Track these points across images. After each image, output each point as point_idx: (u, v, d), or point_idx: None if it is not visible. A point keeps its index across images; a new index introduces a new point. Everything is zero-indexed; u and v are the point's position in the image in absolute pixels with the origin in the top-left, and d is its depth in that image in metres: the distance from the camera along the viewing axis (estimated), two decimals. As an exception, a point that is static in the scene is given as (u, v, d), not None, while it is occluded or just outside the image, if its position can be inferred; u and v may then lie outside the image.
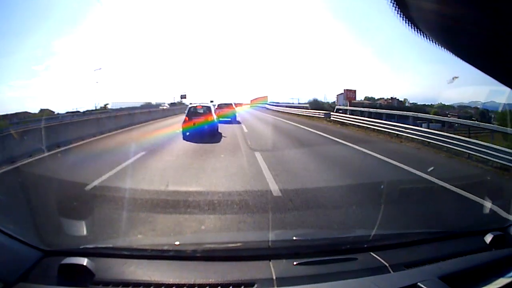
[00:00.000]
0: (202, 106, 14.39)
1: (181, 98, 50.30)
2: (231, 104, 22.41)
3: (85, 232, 3.02)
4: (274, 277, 1.65)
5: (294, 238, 2.43)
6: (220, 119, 17.74)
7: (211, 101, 21.49)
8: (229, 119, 19.82)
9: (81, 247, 2.01)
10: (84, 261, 1.66)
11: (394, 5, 0.70)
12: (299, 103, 31.53)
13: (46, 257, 1.80)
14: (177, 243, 2.39)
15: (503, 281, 1.59)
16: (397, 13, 0.71)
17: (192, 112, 13.72)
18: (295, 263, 1.78)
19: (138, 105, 38.68)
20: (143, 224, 3.89)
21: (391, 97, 31.56)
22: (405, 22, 0.73)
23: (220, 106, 21.22)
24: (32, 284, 1.60)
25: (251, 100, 47.79)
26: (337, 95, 24.66)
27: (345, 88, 24.00)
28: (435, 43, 0.75)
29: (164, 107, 32.36)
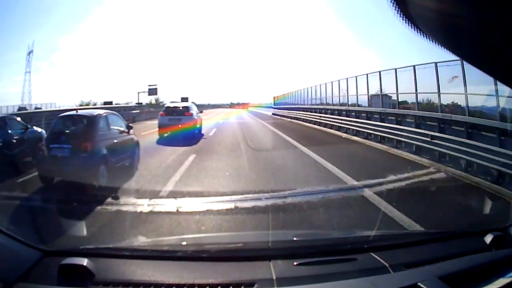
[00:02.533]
0: (76, 116, 7.10)
1: (151, 93, 35.05)
2: (187, 108, 13.93)
3: (85, 232, 3.02)
4: (274, 277, 1.65)
5: (294, 238, 2.43)
6: (167, 133, 12.57)
7: (182, 99, 15.97)
8: (183, 137, 12.04)
9: (81, 247, 2.01)
10: (84, 261, 1.66)
11: (394, 3, 0.70)
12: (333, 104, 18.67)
13: (46, 257, 1.80)
14: (177, 243, 2.40)
15: (503, 281, 1.59)
16: (397, 11, 0.71)
17: (55, 134, 6.61)
18: (295, 263, 1.78)
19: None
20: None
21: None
22: (405, 22, 0.72)
23: (169, 112, 13.62)
24: (32, 284, 1.60)
25: (275, 97, 39.58)
26: (371, 96, 14.63)
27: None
28: (435, 43, 0.74)
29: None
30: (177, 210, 4.63)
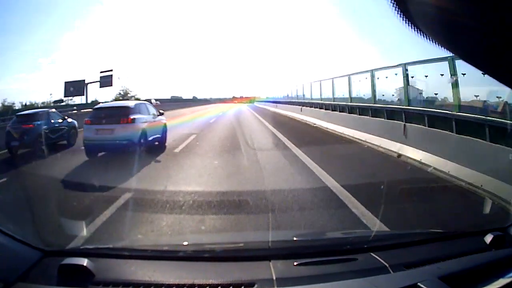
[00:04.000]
0: None
1: (103, 85, 23.72)
2: (125, 111, 8.66)
3: (85, 232, 3.03)
4: (274, 278, 1.65)
5: (294, 238, 2.43)
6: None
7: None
8: (120, 146, 8.01)
9: (81, 247, 2.01)
10: (84, 261, 1.66)
11: (393, 2, 0.70)
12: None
13: (46, 257, 1.81)
14: (177, 243, 2.40)
15: (503, 281, 1.59)
16: (396, 11, 0.71)
17: None
18: (295, 263, 1.78)
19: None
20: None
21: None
22: (405, 22, 0.72)
23: (98, 118, 8.55)
24: (32, 284, 1.60)
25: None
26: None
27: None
28: (434, 42, 0.74)
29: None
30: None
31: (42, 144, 9.84)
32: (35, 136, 10.00)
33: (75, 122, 12.26)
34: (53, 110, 12.43)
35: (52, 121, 11.10)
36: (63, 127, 11.50)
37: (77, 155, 8.89)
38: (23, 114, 11.12)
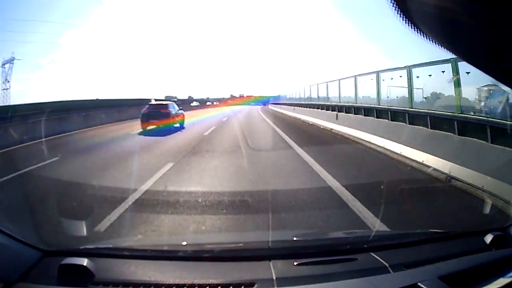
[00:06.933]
0: None
1: None
2: None
3: (85, 232, 3.02)
4: (274, 277, 1.65)
5: (294, 238, 2.43)
6: None
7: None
8: None
9: (81, 247, 2.01)
10: (84, 261, 1.66)
11: (393, 2, 0.70)
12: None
13: (46, 257, 1.80)
14: (177, 243, 2.40)
15: (503, 281, 1.59)
16: (396, 11, 0.71)
17: None
18: (295, 263, 1.78)
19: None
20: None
21: None
22: (404, 22, 0.72)
23: None
24: (32, 284, 1.60)
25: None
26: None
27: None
28: (434, 42, 0.74)
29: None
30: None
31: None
32: (169, 117, 16.26)
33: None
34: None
35: (174, 108, 17.46)
36: (179, 113, 17.80)
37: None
38: (158, 104, 17.08)
